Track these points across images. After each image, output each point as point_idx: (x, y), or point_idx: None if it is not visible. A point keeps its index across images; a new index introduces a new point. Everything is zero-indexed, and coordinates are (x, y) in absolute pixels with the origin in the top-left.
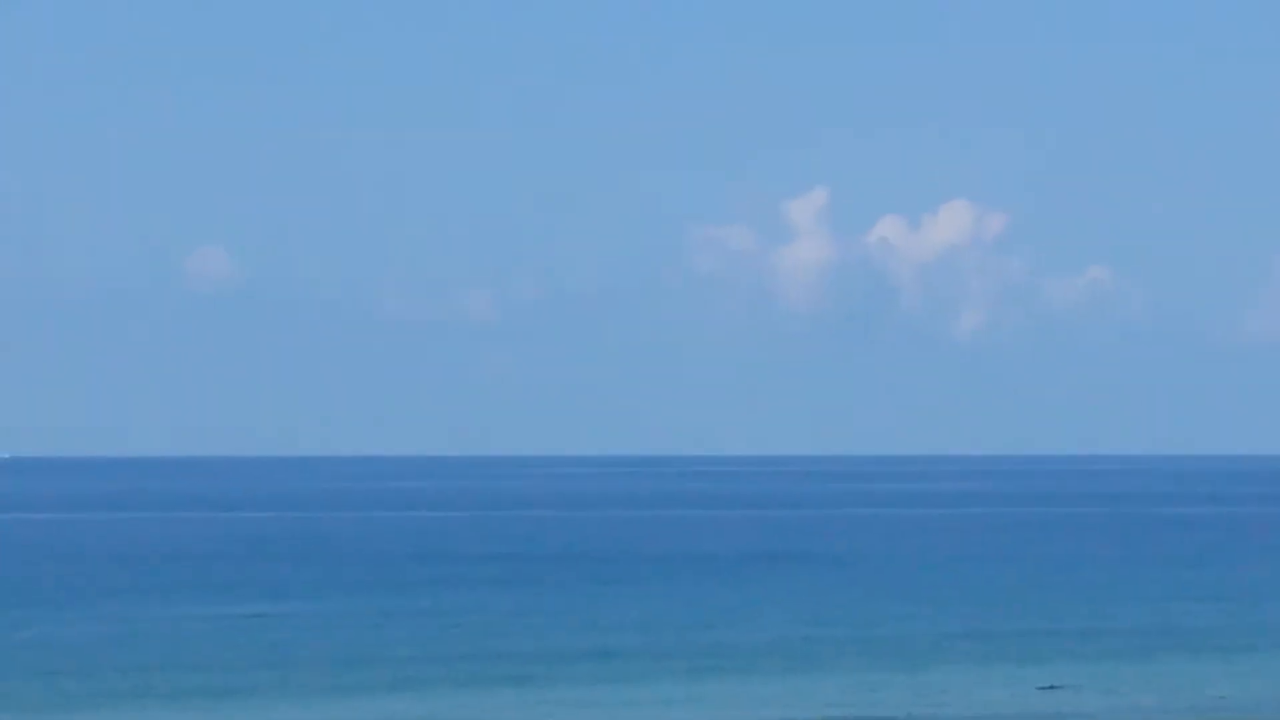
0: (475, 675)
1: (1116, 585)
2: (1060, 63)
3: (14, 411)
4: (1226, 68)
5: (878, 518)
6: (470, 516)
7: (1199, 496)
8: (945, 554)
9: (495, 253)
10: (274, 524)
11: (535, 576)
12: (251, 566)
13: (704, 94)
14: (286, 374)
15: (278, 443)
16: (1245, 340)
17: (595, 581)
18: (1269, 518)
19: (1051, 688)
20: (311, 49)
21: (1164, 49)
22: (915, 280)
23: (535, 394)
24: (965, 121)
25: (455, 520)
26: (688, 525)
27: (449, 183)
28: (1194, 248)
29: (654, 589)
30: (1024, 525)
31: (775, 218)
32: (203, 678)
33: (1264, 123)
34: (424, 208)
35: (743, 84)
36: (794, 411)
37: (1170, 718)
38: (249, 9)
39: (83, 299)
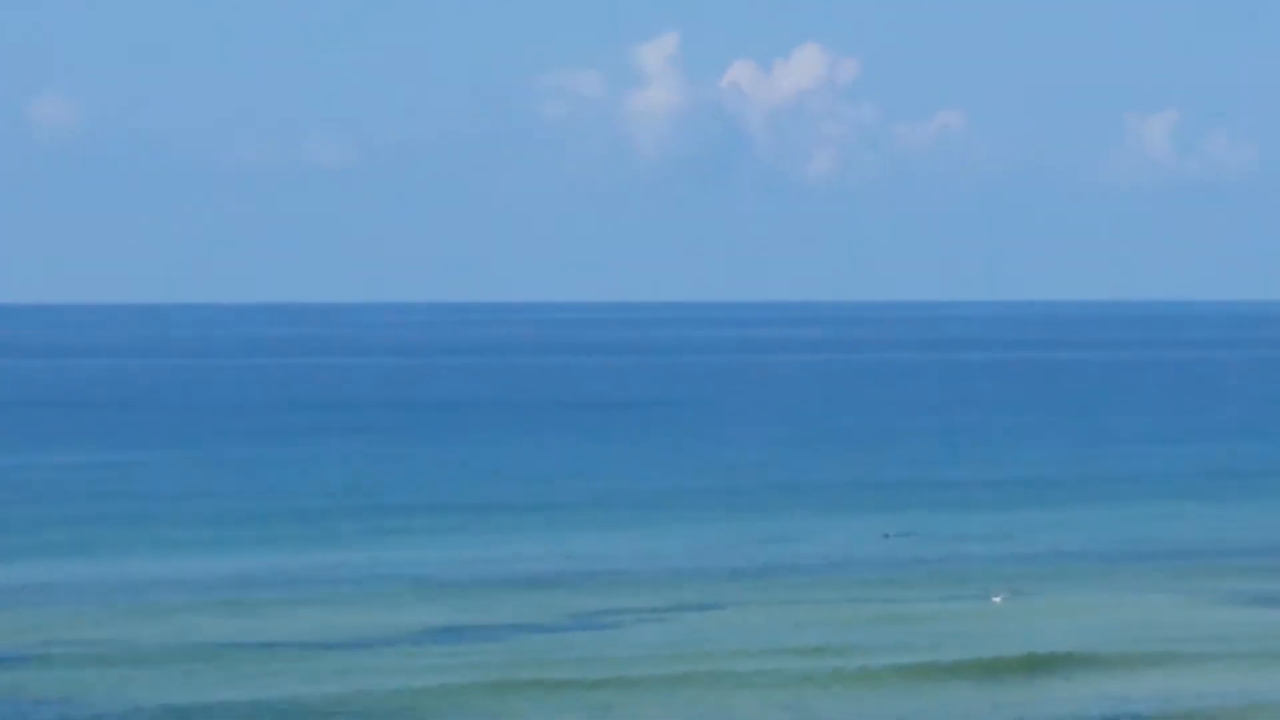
0: (332, 531)
1: (971, 433)
2: None
3: None
4: None
5: (729, 364)
6: (328, 363)
7: (1058, 342)
8: (797, 401)
9: (347, 99)
10: (132, 371)
11: (396, 425)
12: (106, 414)
13: None
14: (135, 222)
15: (129, 290)
16: (1095, 187)
17: (445, 430)
18: (1128, 363)
19: (890, 536)
20: None
21: None
22: (767, 126)
23: (388, 240)
24: None
25: (314, 367)
26: (537, 372)
27: (298, 29)
28: (1045, 95)
29: (503, 438)
30: (877, 372)
31: (625, 62)
32: (54, 531)
33: None
34: (274, 54)
35: None
36: (646, 257)
37: (1016, 565)
38: None
39: None
